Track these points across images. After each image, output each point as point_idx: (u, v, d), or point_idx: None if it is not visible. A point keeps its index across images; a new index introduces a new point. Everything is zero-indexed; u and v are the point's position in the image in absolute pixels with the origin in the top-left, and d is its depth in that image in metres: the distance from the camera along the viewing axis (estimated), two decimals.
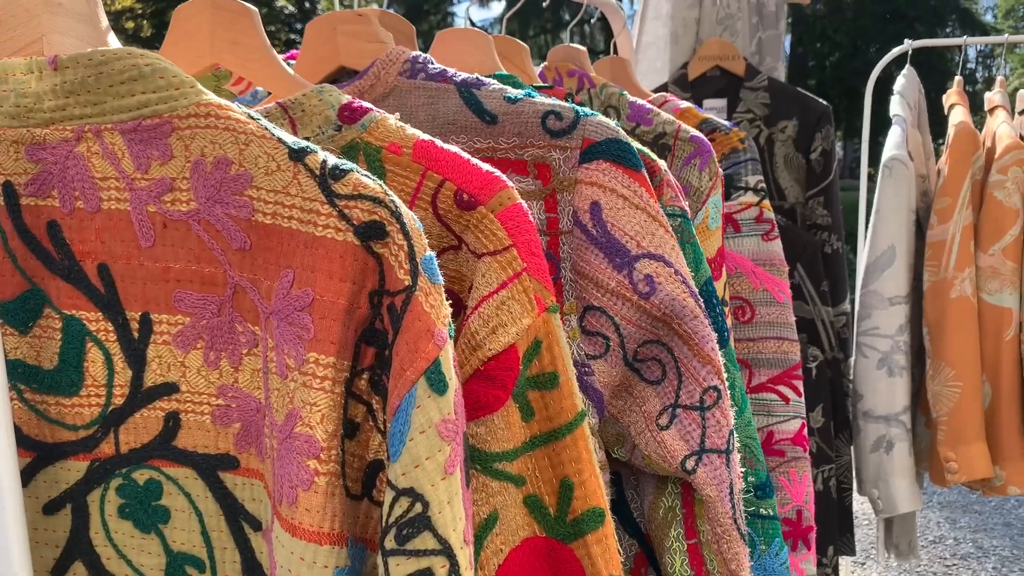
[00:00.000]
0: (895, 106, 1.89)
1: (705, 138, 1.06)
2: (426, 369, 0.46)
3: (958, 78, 1.94)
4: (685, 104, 1.24)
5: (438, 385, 0.47)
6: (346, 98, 0.63)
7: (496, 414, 0.58)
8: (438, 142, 0.62)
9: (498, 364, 0.58)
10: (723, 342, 0.86)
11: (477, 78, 0.73)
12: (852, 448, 1.90)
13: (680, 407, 0.71)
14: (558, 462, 0.60)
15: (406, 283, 0.47)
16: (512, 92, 0.72)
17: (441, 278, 0.50)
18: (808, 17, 15.22)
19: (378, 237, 0.48)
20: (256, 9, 0.66)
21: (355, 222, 0.48)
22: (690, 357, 0.70)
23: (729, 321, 1.14)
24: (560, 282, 0.71)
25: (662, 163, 0.82)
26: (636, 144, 0.83)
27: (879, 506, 1.85)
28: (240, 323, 0.52)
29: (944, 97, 1.95)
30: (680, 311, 0.70)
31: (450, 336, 0.49)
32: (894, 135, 1.82)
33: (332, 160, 0.50)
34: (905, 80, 1.91)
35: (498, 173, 0.61)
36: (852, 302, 1.94)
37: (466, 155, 0.62)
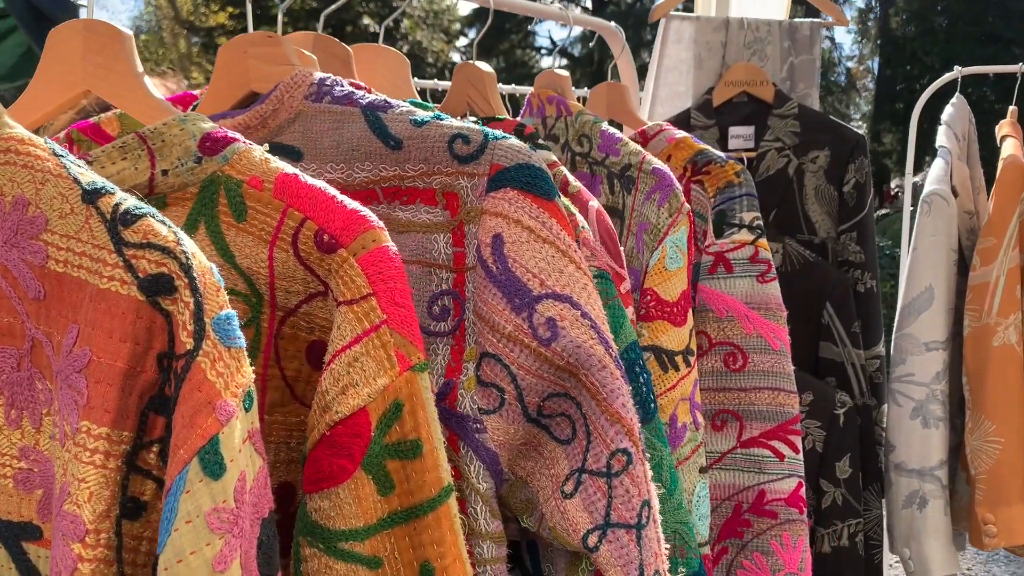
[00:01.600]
0: (941, 137, 1.77)
1: (668, 171, 0.98)
2: (200, 448, 0.41)
3: (1012, 108, 1.80)
4: (681, 134, 1.16)
5: (213, 468, 0.41)
6: (210, 126, 0.58)
7: (342, 486, 0.52)
8: (303, 176, 0.56)
9: (345, 430, 0.52)
10: (647, 415, 0.78)
11: (385, 100, 0.68)
12: (883, 502, 1.76)
13: (586, 472, 0.63)
14: (419, 543, 0.54)
15: (188, 347, 0.42)
16: (420, 114, 0.66)
17: (241, 340, 0.44)
18: (897, 38, 14.78)
19: (166, 292, 0.43)
20: (130, 34, 0.62)
21: (140, 274, 0.43)
22: (598, 414, 0.62)
23: (720, 365, 1.06)
24: (464, 325, 0.65)
25: (581, 219, 0.75)
26: (565, 199, 0.77)
27: (910, 567, 1.72)
28: (39, 380, 0.47)
29: (996, 128, 1.81)
30: (586, 360, 0.62)
31: (246, 408, 0.43)
32: (937, 168, 1.70)
33: (128, 203, 0.44)
34: (954, 109, 1.79)
35: (365, 212, 0.55)
36: (888, 345, 1.82)
37: (332, 191, 0.56)
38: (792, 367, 1.10)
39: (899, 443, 1.71)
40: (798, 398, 1.11)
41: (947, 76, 1.87)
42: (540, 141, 0.93)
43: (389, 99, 0.67)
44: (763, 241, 1.10)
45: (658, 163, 1.03)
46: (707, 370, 1.10)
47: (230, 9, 11.35)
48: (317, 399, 0.53)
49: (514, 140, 0.65)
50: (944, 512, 1.67)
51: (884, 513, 1.76)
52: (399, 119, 0.66)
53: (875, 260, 1.73)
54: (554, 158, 0.92)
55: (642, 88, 1.72)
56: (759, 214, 1.10)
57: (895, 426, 1.71)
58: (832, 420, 1.70)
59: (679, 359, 1.00)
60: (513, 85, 2.17)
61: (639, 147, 1.05)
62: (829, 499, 1.71)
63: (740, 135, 1.72)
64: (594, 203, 0.90)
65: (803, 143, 1.68)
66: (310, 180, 0.56)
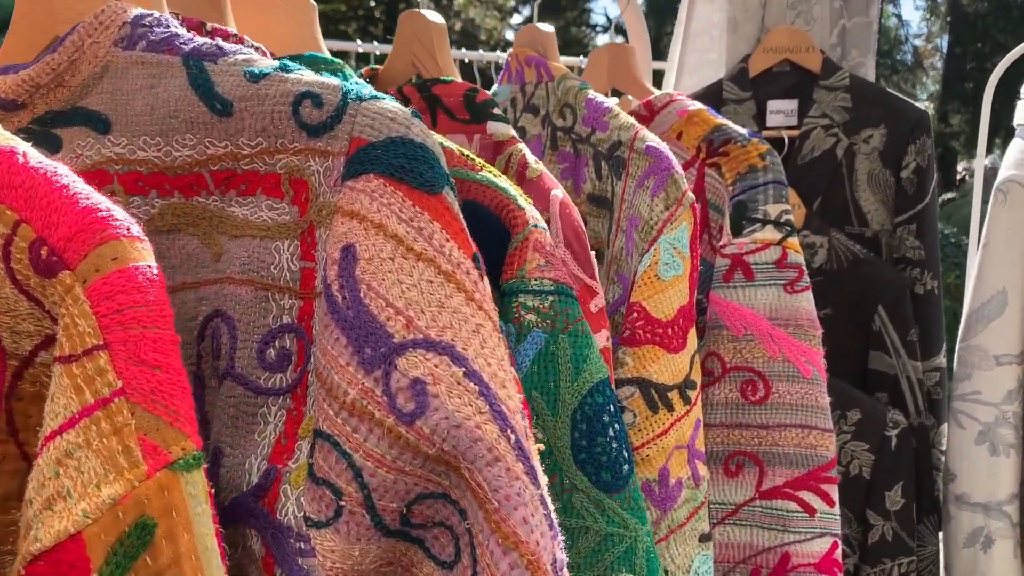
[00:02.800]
0: (1020, 114, 1.50)
1: (665, 150, 0.76)
2: None
3: None
4: (695, 105, 0.94)
5: None
6: None
7: None
8: (23, 153, 0.36)
9: (47, 569, 0.32)
10: (617, 481, 0.58)
11: (217, 46, 0.47)
12: (940, 537, 1.53)
13: None
14: None
15: None
16: (261, 64, 0.46)
17: None
18: (968, 15, 14.11)
19: None
20: None
21: None
22: (487, 532, 0.40)
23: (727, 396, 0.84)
24: (307, 378, 0.44)
25: (530, 212, 0.55)
26: (495, 176, 0.56)
27: None
28: None
29: None
30: (468, 448, 0.40)
31: None
32: (1015, 150, 1.44)
33: None
34: None
35: (106, 211, 0.35)
36: (951, 354, 1.57)
37: (64, 176, 0.36)
38: (827, 399, 0.88)
39: (961, 472, 1.46)
40: (835, 438, 0.89)
41: (1021, 47, 1.60)
42: (495, 111, 0.72)
43: (224, 44, 0.47)
44: (793, 241, 0.87)
45: (653, 139, 0.81)
46: (719, 401, 0.89)
47: None
48: (23, 512, 0.34)
49: (388, 102, 0.44)
50: (1014, 555, 1.43)
51: (941, 551, 1.53)
52: (230, 71, 0.45)
53: (937, 258, 1.48)
54: (510, 133, 0.72)
55: (666, 57, 1.49)
56: (788, 207, 0.88)
57: (957, 452, 1.47)
58: (882, 442, 1.46)
59: (674, 395, 0.79)
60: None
61: (631, 120, 0.83)
62: (877, 534, 1.48)
63: (781, 110, 1.48)
64: (558, 192, 0.69)
65: (855, 120, 1.44)
66: (35, 160, 0.36)
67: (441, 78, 0.74)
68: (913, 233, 1.46)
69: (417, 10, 0.75)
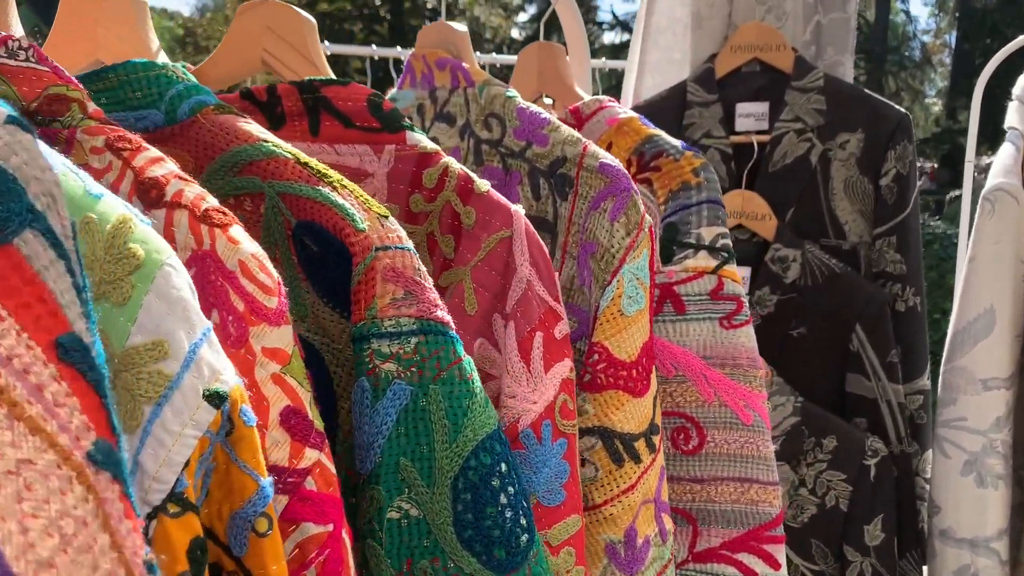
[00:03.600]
0: (1012, 116, 1.39)
1: (621, 168, 0.66)
2: None
3: None
4: (626, 113, 0.83)
5: None
6: None
7: None
8: None
9: None
10: (515, 558, 0.49)
11: None
12: (925, 573, 1.42)
13: None
14: None
15: None
16: None
17: None
18: (976, 10, 13.93)
19: None
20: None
21: None
22: None
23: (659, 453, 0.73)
24: None
25: (376, 233, 0.47)
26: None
27: None
28: None
29: None
30: None
31: None
32: (1004, 156, 1.33)
33: None
34: None
35: None
36: (935, 376, 1.45)
37: None
38: (771, 448, 0.77)
39: (946, 504, 1.35)
40: (780, 491, 0.78)
41: (1013, 44, 1.48)
42: (406, 122, 0.62)
43: None
44: (730, 269, 0.77)
45: (607, 157, 0.71)
46: None
47: None
48: None
49: None
50: None
51: None
52: None
53: (920, 272, 1.37)
54: (431, 146, 0.62)
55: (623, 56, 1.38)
56: (725, 230, 0.77)
57: (942, 483, 1.36)
58: (861, 472, 1.35)
59: (640, 445, 0.69)
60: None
61: (575, 134, 0.73)
62: (855, 570, 1.37)
63: (751, 113, 1.37)
64: (519, 209, 0.60)
65: (830, 124, 1.33)
66: None
67: (334, 79, 0.64)
68: (894, 246, 1.35)
69: (271, 1, 0.64)
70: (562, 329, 0.63)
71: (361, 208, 0.50)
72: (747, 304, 0.76)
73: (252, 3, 0.65)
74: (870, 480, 1.35)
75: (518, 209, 0.62)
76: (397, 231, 0.50)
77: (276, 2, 0.65)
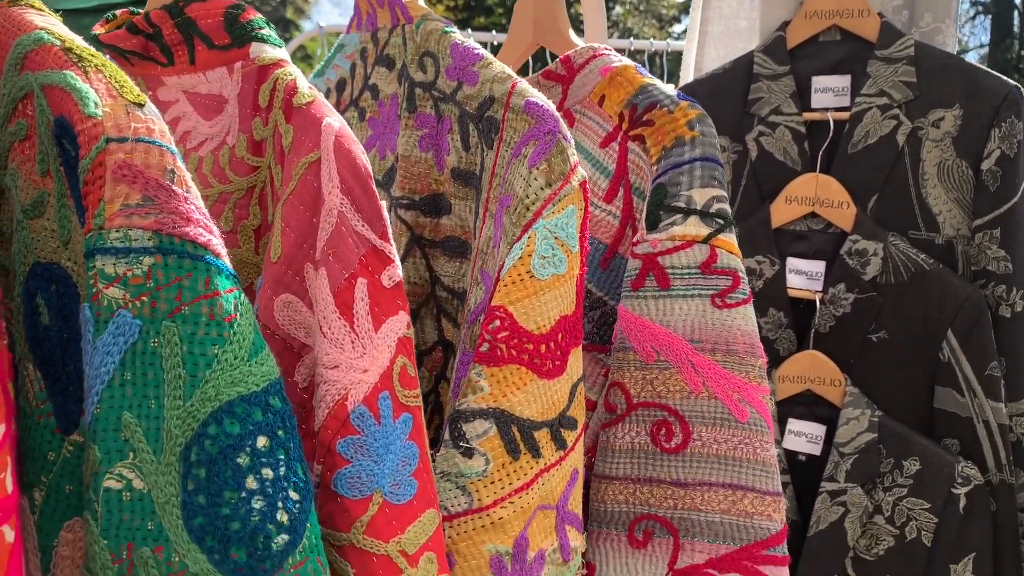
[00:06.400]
0: None
1: (550, 108, 0.56)
2: None
3: None
4: (622, 61, 0.72)
5: None
6: None
7: None
8: None
9: None
10: (261, 563, 0.41)
11: None
12: None
13: None
14: None
15: None
16: None
17: None
18: None
19: None
20: None
21: None
22: None
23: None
24: None
25: (113, 119, 0.41)
26: None
27: None
28: None
29: None
30: None
31: None
32: None
33: None
34: None
35: None
36: None
37: None
38: (773, 450, 0.63)
39: None
40: (783, 504, 0.64)
41: None
42: (263, 32, 0.55)
43: None
44: (726, 238, 0.64)
45: (535, 94, 0.60)
46: (623, 446, 0.66)
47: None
48: None
49: None
50: None
51: None
52: None
53: None
54: (279, 55, 0.54)
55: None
56: (723, 192, 0.64)
57: None
58: (948, 502, 1.17)
59: (542, 436, 0.58)
60: None
61: (507, 70, 0.63)
62: None
63: (828, 87, 1.22)
64: (333, 121, 0.51)
65: (921, 99, 1.16)
66: None
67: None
68: (996, 240, 1.16)
69: None
70: (392, 275, 0.51)
71: (108, 93, 0.41)
72: (746, 280, 0.63)
73: None
74: (959, 512, 1.17)
75: (332, 122, 0.52)
76: (148, 122, 0.41)
77: None
